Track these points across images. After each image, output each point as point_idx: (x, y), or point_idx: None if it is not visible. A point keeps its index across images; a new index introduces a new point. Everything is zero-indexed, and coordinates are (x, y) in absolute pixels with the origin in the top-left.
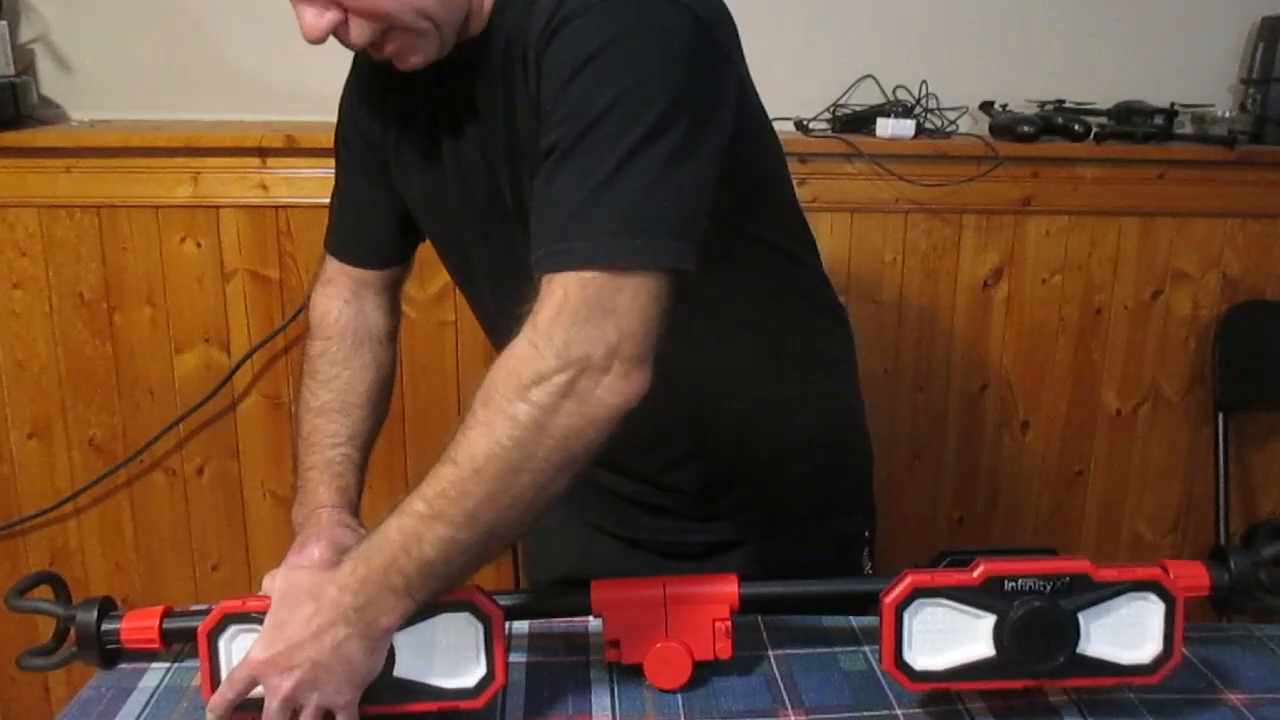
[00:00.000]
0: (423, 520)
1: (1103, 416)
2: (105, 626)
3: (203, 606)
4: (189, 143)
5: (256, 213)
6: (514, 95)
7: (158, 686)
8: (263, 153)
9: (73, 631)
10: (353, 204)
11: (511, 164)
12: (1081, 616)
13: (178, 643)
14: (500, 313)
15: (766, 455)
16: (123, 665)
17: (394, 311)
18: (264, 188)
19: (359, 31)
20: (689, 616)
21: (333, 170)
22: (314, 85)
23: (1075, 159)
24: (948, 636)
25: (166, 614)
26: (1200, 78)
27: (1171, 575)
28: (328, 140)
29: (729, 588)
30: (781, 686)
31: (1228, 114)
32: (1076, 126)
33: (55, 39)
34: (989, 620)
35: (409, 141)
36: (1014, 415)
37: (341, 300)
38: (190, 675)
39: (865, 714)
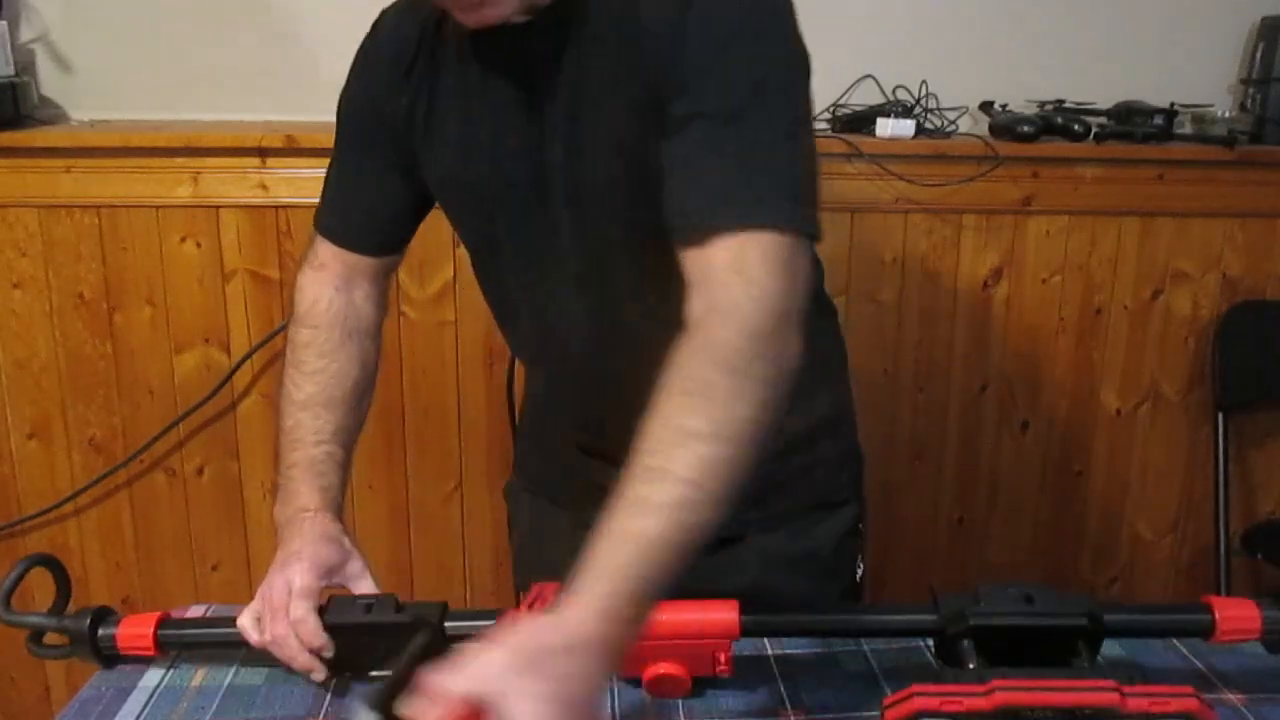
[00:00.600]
0: (694, 509)
1: (1103, 416)
2: (101, 631)
3: (200, 609)
4: (189, 143)
5: (256, 213)
6: (592, 68)
7: (157, 686)
8: (263, 153)
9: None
10: (354, 184)
11: (570, 143)
12: None
13: (174, 649)
14: (525, 298)
15: (768, 450)
16: (123, 665)
17: (383, 303)
18: (264, 188)
19: None
20: (687, 646)
21: None
22: (314, 84)
23: (1075, 159)
24: None
25: (162, 621)
26: (1200, 78)
27: (1218, 616)
28: (328, 140)
29: (729, 616)
30: (781, 686)
31: (1227, 114)
32: (1076, 126)
33: (55, 39)
34: None
35: (439, 121)
36: (1014, 415)
37: (332, 288)
38: (190, 675)
39: (865, 714)
